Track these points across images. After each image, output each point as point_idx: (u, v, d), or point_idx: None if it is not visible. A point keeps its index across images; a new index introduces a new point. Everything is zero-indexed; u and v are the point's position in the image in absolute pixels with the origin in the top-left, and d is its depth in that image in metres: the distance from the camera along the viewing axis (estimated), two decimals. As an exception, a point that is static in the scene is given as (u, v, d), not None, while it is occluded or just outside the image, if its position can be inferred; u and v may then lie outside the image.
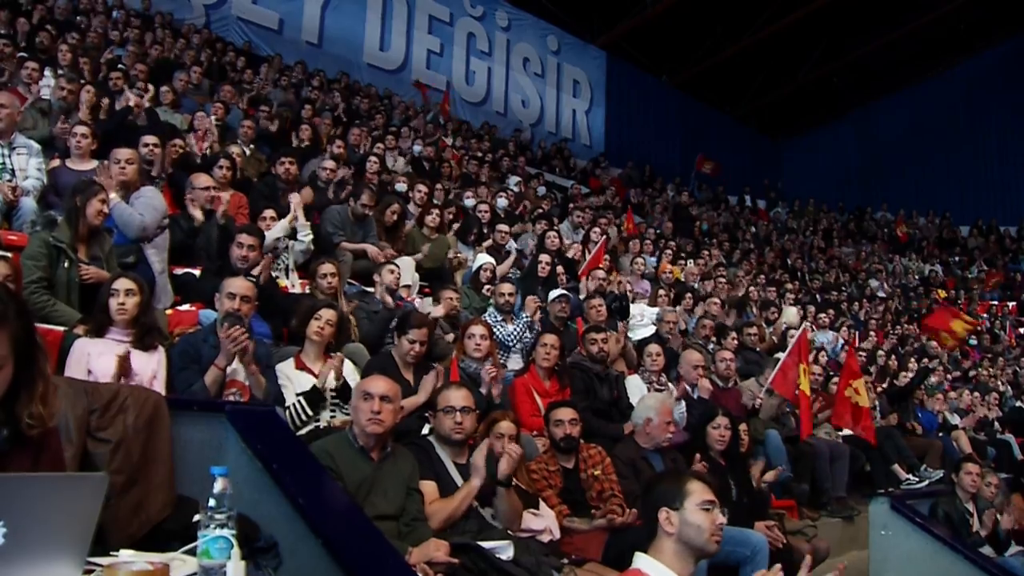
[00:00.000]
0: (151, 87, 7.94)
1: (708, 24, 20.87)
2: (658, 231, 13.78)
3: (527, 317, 6.25)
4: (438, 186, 9.79)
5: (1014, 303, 17.69)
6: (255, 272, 4.91)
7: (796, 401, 6.82)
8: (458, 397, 3.74)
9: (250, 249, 5.03)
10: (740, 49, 21.67)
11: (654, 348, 6.17)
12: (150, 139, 6.36)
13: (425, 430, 4.20)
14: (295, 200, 6.12)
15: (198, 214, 5.57)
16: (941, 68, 22.98)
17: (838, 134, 24.85)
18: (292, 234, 6.08)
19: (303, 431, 4.12)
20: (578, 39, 21.56)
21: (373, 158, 9.07)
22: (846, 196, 23.22)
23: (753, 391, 6.93)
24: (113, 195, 4.57)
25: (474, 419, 3.82)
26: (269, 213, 6.14)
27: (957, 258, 19.92)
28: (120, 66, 9.25)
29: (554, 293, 6.78)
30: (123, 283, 3.79)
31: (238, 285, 4.15)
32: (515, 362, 6.15)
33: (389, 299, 5.69)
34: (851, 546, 6.48)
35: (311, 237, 6.05)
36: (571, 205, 11.93)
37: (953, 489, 6.18)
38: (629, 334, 8.13)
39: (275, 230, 5.91)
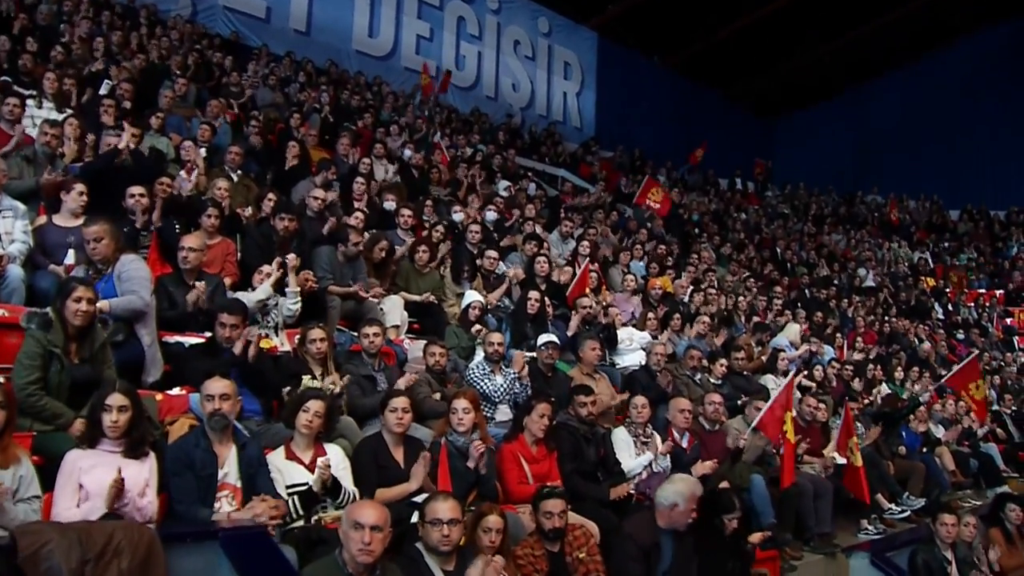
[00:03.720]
0: (136, 128, 7.69)
1: (701, 4, 20.61)
2: (649, 229, 13.74)
3: (515, 373, 6.28)
4: (427, 203, 9.71)
5: (1002, 291, 17.74)
6: (238, 350, 4.93)
7: (779, 444, 6.87)
8: (445, 509, 3.80)
9: (232, 328, 5.02)
10: (734, 30, 21.48)
11: (640, 400, 6.21)
12: (136, 190, 6.31)
13: (414, 518, 4.27)
14: (291, 262, 6.08)
15: (191, 304, 5.59)
16: (935, 50, 22.79)
17: (832, 114, 24.68)
18: (281, 290, 6.07)
19: (294, 526, 4.20)
20: (570, 20, 21.30)
21: (360, 179, 8.99)
22: (838, 178, 23.17)
23: (738, 430, 6.99)
24: (101, 303, 4.54)
25: (461, 529, 3.89)
26: (267, 269, 6.08)
27: (947, 244, 19.91)
28: (106, 83, 9.14)
29: (542, 339, 6.77)
30: (116, 399, 3.79)
31: (215, 387, 4.15)
32: (503, 413, 6.19)
33: (384, 383, 5.69)
34: (834, 583, 6.65)
35: (299, 304, 6.03)
36: (560, 214, 11.88)
37: (932, 536, 6.33)
38: (616, 359, 8.25)
39: (258, 292, 5.89)
